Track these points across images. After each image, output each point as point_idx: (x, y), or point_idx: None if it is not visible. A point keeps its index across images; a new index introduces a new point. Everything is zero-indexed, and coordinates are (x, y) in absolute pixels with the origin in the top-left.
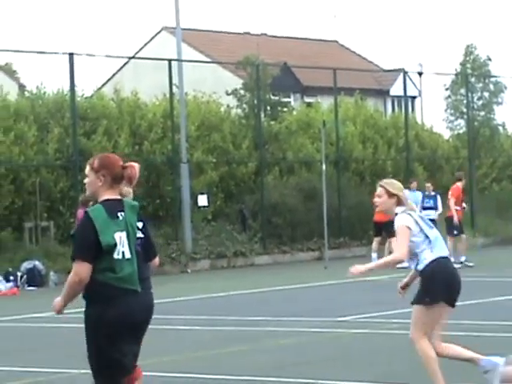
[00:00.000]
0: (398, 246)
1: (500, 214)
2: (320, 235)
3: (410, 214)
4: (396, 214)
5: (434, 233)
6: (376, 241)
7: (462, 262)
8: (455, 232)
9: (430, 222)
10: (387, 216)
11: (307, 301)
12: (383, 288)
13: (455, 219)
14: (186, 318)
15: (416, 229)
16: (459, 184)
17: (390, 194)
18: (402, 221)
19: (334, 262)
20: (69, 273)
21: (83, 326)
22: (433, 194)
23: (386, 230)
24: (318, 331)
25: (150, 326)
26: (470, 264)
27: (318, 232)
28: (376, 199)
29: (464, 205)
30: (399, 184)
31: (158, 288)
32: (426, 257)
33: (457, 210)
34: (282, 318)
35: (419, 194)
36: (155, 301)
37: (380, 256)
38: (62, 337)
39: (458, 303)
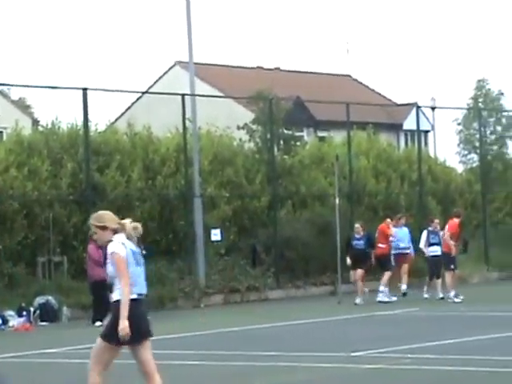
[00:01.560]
0: (124, 276)
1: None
2: (333, 269)
3: (124, 244)
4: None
5: (137, 270)
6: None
7: (450, 298)
8: (452, 266)
9: (141, 259)
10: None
11: (320, 336)
12: (396, 322)
13: (453, 254)
14: (199, 353)
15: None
16: (456, 220)
17: (101, 227)
18: (115, 249)
19: (348, 296)
20: (82, 308)
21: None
22: (437, 229)
23: (382, 263)
24: (331, 366)
25: (163, 362)
26: (459, 299)
27: (331, 266)
28: (94, 236)
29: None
30: (109, 215)
31: (171, 323)
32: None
33: (454, 245)
34: (295, 353)
35: (406, 230)
36: (169, 336)
37: (390, 288)
38: (74, 373)
39: (470, 338)
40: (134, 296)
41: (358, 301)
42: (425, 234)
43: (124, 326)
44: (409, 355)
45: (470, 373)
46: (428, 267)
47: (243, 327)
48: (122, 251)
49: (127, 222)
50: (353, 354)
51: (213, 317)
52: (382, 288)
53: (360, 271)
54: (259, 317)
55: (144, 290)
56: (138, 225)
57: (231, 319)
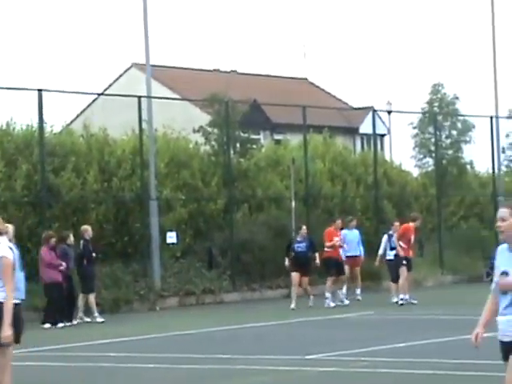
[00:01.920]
0: (10, 281)
1: (468, 252)
2: (289, 272)
3: (11, 248)
4: None
5: (20, 275)
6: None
7: (401, 299)
8: (404, 262)
9: (21, 264)
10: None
11: (275, 339)
12: (351, 326)
13: (401, 254)
14: (154, 355)
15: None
16: (412, 224)
17: None
18: (4, 252)
19: (303, 299)
20: (35, 310)
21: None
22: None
23: (327, 268)
24: (286, 369)
25: (119, 365)
26: (414, 301)
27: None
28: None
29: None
30: None
31: (126, 326)
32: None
33: (402, 247)
34: (250, 356)
35: (357, 233)
36: (124, 338)
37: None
38: (18, 375)
39: (424, 341)
40: (16, 301)
41: (292, 305)
42: (385, 238)
43: (7, 333)
44: (362, 358)
45: (423, 376)
46: (389, 271)
47: (198, 330)
48: (10, 255)
49: (10, 226)
50: (307, 357)
51: (168, 319)
52: (327, 294)
53: (297, 275)
54: (214, 320)
55: (24, 296)
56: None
57: (186, 322)
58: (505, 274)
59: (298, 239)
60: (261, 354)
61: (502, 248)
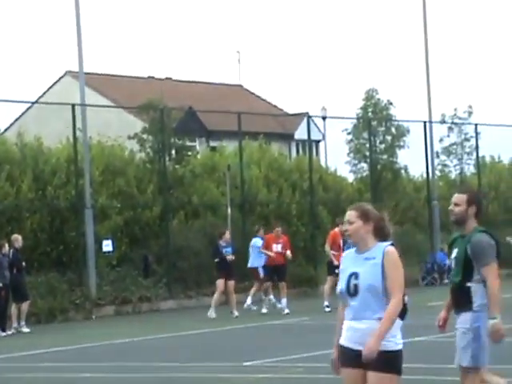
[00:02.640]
0: None
1: (402, 257)
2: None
3: None
4: None
5: None
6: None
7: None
8: (336, 271)
9: None
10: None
11: (213, 346)
12: (287, 332)
13: (334, 261)
14: (90, 364)
15: None
16: (337, 229)
17: None
18: None
19: (240, 305)
20: None
21: None
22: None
23: (279, 273)
24: (224, 376)
25: (54, 375)
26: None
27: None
28: None
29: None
30: None
31: (62, 335)
32: None
33: (334, 254)
34: (188, 364)
35: (259, 240)
36: (59, 348)
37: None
38: None
39: None
40: None
41: (210, 313)
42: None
43: None
44: (300, 364)
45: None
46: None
47: (135, 338)
48: None
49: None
50: (245, 364)
51: (104, 328)
52: (249, 300)
53: (222, 282)
54: (151, 327)
55: None
56: None
57: (123, 330)
58: (354, 275)
59: (223, 244)
60: (198, 361)
61: (350, 252)
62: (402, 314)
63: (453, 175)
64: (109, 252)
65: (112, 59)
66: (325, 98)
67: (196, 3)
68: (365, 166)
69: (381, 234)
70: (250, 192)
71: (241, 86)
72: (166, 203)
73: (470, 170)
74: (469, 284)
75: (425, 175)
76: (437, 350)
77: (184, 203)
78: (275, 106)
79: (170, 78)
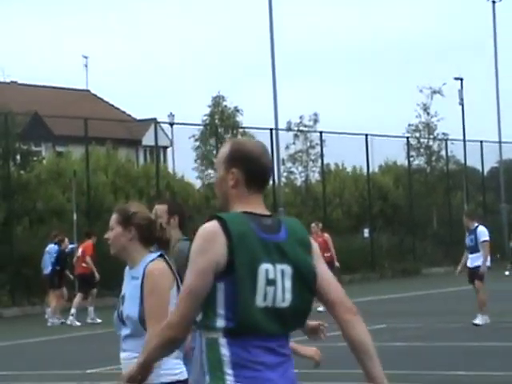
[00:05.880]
0: None
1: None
2: (72, 287)
3: None
4: None
5: None
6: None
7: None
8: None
9: None
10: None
11: (57, 353)
12: None
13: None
14: None
15: None
16: (90, 241)
17: None
18: None
19: (83, 312)
20: None
21: None
22: None
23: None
24: None
25: None
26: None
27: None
28: None
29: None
30: None
31: None
32: None
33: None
34: (32, 372)
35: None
36: None
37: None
38: None
39: None
40: None
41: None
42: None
43: None
44: None
45: None
46: None
47: None
48: None
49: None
50: (88, 371)
51: None
52: (73, 311)
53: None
54: None
55: None
56: None
57: None
58: (122, 299)
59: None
60: (43, 369)
61: (127, 269)
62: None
63: (298, 182)
64: None
65: None
66: (172, 104)
67: (41, 5)
68: (212, 172)
69: (150, 242)
70: (96, 198)
71: (88, 91)
72: (10, 209)
73: (315, 177)
74: None
75: (271, 182)
76: None
77: (29, 209)
78: (123, 112)
79: (16, 82)
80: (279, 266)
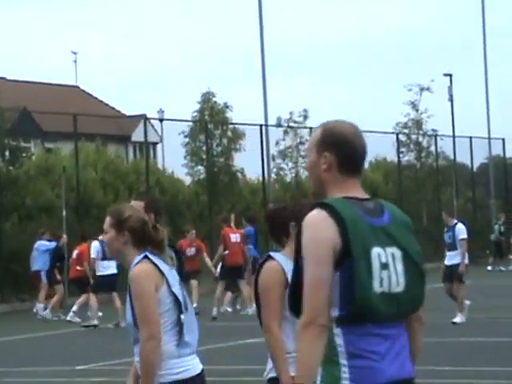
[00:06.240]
0: None
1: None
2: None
3: None
4: None
5: None
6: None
7: None
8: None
9: None
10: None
11: (46, 349)
12: (119, 335)
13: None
14: None
15: None
16: (86, 244)
17: None
18: None
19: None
20: None
21: None
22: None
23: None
24: (58, 381)
25: None
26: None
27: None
28: None
29: None
30: None
31: None
32: None
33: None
34: (22, 369)
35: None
36: None
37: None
38: None
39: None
40: None
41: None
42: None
43: None
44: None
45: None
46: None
47: None
48: None
49: None
50: (78, 368)
51: None
52: (75, 308)
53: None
54: None
55: None
56: None
57: None
58: None
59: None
60: (32, 365)
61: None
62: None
63: (288, 178)
64: None
65: None
66: (162, 101)
67: (30, 1)
68: (201, 168)
69: (144, 243)
70: (85, 194)
71: (77, 87)
72: None
73: (304, 173)
74: None
75: (261, 178)
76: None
77: (17, 205)
78: (112, 108)
79: (4, 78)
80: (389, 250)
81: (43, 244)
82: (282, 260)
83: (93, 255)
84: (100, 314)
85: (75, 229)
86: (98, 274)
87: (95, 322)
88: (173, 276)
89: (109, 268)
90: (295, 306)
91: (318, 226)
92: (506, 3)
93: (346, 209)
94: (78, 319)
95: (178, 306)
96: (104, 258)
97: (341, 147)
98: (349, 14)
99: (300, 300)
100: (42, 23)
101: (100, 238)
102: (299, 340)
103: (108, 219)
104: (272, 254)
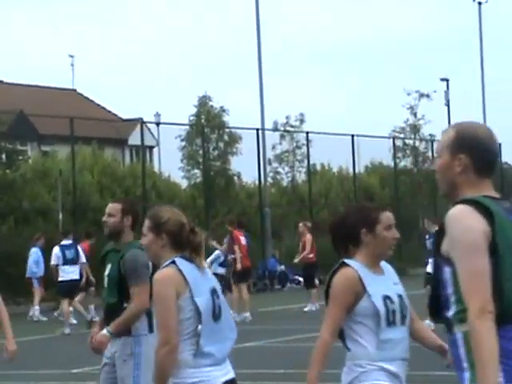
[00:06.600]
0: None
1: None
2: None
3: None
4: None
5: None
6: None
7: None
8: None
9: None
10: None
11: (41, 353)
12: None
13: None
14: None
15: None
16: (88, 241)
17: None
18: None
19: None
20: None
21: None
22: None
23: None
24: None
25: None
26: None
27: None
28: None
29: None
30: None
31: None
32: None
33: None
34: (12, 372)
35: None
36: None
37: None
38: None
39: None
40: None
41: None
42: (217, 253)
43: None
44: None
45: None
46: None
47: None
48: None
49: None
50: (73, 371)
51: None
52: (70, 309)
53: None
54: None
55: None
56: None
57: None
58: None
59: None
60: (27, 369)
61: None
62: None
63: (284, 182)
64: None
65: None
66: (159, 104)
67: (27, 3)
68: (198, 172)
69: (182, 247)
70: (82, 198)
71: (74, 90)
72: None
73: (301, 177)
74: (127, 305)
75: (257, 182)
76: (266, 355)
77: (14, 208)
78: (109, 112)
79: (1, 81)
80: None
81: (35, 252)
82: (359, 267)
83: (53, 262)
84: (74, 321)
85: (72, 232)
86: (60, 279)
87: (67, 330)
88: (205, 283)
89: (70, 273)
90: (436, 310)
91: (467, 218)
92: (502, 8)
93: (491, 203)
94: (73, 320)
95: (199, 317)
96: (65, 263)
97: (476, 149)
98: (346, 18)
99: (440, 304)
100: (40, 26)
101: (62, 242)
102: (476, 333)
103: (146, 222)
104: (347, 260)
